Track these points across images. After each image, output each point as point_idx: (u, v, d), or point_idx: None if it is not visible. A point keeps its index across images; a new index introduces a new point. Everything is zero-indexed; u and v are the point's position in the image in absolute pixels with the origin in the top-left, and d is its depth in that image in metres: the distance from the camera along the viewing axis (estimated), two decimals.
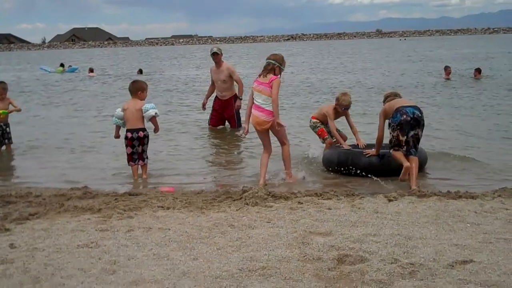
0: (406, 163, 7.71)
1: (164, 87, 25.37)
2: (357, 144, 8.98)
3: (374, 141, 8.41)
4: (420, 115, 7.82)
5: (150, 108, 8.29)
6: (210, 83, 12.87)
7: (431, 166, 8.89)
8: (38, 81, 31.44)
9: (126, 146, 8.51)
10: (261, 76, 7.99)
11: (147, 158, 8.61)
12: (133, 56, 69.23)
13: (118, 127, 8.66)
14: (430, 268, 4.50)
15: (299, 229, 5.57)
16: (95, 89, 25.80)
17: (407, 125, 7.73)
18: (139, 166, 8.61)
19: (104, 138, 12.09)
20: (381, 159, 8.29)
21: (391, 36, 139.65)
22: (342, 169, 8.47)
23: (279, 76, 7.99)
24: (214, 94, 12.88)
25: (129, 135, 8.41)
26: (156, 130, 8.64)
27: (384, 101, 8.37)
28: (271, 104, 7.86)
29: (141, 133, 8.38)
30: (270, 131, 8.18)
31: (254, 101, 8.01)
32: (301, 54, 59.48)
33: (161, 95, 21.29)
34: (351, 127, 9.28)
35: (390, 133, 7.93)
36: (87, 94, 23.41)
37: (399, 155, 7.83)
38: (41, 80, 32.04)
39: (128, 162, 8.60)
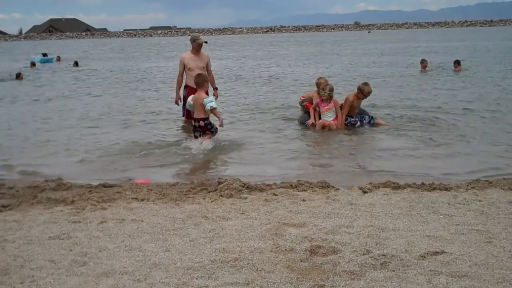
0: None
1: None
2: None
3: None
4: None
5: (208, 102, 9.57)
6: (178, 74, 12.15)
7: (404, 156, 8.96)
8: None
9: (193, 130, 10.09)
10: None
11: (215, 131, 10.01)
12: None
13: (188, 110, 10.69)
14: (402, 259, 4.52)
15: (273, 220, 5.57)
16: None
17: None
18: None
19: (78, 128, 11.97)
20: None
21: (368, 29, 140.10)
22: None
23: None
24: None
25: (193, 123, 9.95)
26: (219, 120, 9.80)
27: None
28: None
29: (201, 122, 9.79)
30: None
31: None
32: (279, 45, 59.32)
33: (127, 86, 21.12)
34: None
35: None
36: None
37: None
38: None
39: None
